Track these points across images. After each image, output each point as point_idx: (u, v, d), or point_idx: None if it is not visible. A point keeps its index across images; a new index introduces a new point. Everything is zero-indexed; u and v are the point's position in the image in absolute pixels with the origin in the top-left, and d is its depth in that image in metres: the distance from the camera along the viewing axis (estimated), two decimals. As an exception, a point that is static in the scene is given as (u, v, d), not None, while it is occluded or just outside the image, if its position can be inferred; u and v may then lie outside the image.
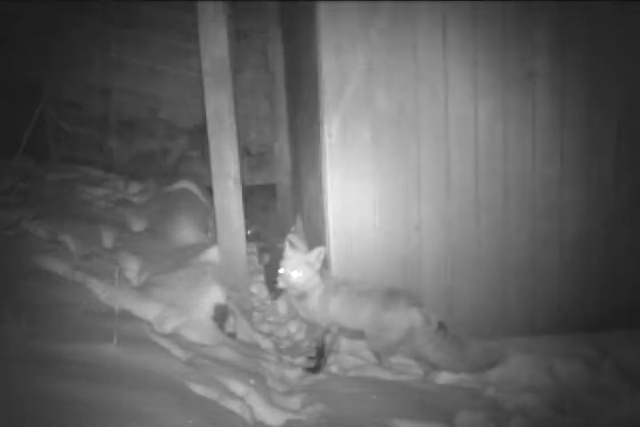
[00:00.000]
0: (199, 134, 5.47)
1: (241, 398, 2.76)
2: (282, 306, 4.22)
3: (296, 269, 3.27)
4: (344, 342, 3.61)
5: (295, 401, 2.97)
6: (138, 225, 4.63)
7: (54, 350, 2.53)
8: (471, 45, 3.49)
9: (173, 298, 3.49)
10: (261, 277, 4.59)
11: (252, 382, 2.94)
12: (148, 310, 3.38)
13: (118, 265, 3.70)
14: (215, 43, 3.66)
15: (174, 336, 3.22)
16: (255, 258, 4.84)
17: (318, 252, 3.31)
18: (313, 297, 3.34)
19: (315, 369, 3.39)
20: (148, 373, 2.59)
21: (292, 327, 3.97)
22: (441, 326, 3.29)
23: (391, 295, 3.31)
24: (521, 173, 3.62)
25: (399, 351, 3.42)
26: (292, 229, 5.10)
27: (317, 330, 3.49)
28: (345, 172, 3.56)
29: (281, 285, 3.31)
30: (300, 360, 3.55)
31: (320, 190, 3.67)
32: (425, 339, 3.27)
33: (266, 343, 3.69)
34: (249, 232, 4.80)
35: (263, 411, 2.80)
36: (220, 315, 3.53)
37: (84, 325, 2.89)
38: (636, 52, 3.58)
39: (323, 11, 3.41)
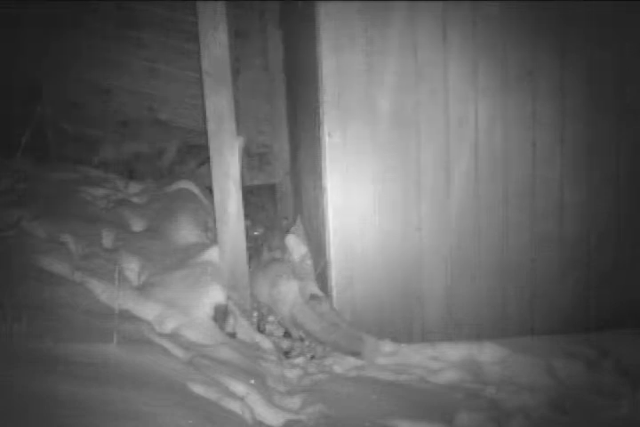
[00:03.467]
0: (199, 134, 5.46)
1: (241, 399, 2.76)
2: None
3: None
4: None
5: (295, 401, 2.97)
6: (138, 225, 4.62)
7: (54, 350, 2.52)
8: (471, 45, 3.50)
9: (173, 298, 3.49)
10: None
11: (252, 382, 2.94)
12: (148, 310, 3.37)
13: (118, 265, 3.69)
14: (215, 43, 3.66)
15: (174, 336, 3.22)
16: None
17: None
18: None
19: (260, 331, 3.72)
20: (148, 373, 2.59)
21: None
22: (314, 297, 3.53)
23: (279, 272, 3.71)
24: (521, 173, 3.63)
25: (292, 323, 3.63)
26: (292, 229, 5.10)
27: None
28: (345, 172, 3.56)
29: None
30: (300, 360, 3.55)
31: (320, 190, 3.67)
32: (297, 308, 3.52)
33: (266, 343, 3.69)
34: (256, 233, 4.81)
35: (263, 411, 2.79)
36: (220, 315, 3.53)
37: (84, 325, 2.89)
38: (636, 52, 3.58)
39: (323, 11, 3.41)
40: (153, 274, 3.78)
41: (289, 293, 3.60)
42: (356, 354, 3.44)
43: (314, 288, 3.64)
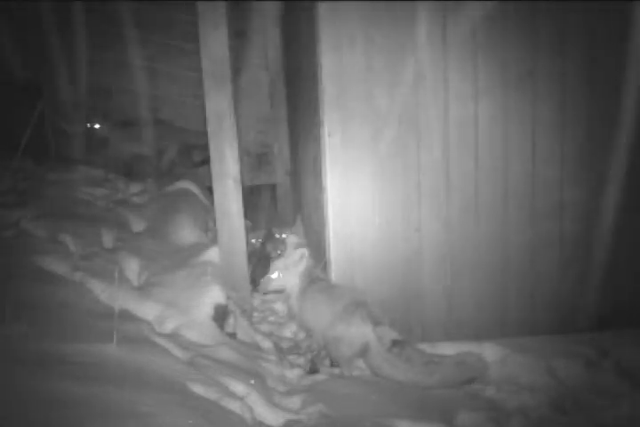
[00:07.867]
0: (199, 134, 5.47)
1: (241, 399, 2.76)
2: (281, 306, 4.22)
3: (277, 271, 3.50)
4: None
5: (295, 401, 2.97)
6: (138, 225, 4.63)
7: (54, 350, 2.53)
8: (471, 45, 3.49)
9: (173, 298, 3.49)
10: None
11: (252, 382, 2.94)
12: (148, 310, 3.37)
13: (118, 265, 3.70)
14: (215, 43, 3.66)
15: (174, 336, 3.22)
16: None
17: (299, 254, 3.47)
18: (292, 298, 3.52)
19: (312, 371, 3.42)
20: (149, 373, 2.59)
21: (293, 327, 3.97)
22: (395, 344, 3.25)
23: (350, 308, 3.29)
24: (521, 172, 3.63)
25: (358, 368, 3.37)
26: (292, 229, 5.10)
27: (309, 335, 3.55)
28: (345, 172, 3.56)
29: (262, 288, 3.56)
30: (301, 361, 3.55)
31: (320, 190, 3.67)
32: (379, 358, 3.24)
33: (266, 343, 3.69)
34: (254, 241, 4.81)
35: (263, 411, 2.80)
36: (220, 315, 3.53)
37: (84, 325, 2.89)
38: (635, 52, 3.58)
39: (323, 11, 3.41)
40: (153, 274, 3.78)
41: (359, 336, 3.24)
42: (471, 381, 3.24)
43: (392, 333, 3.31)
